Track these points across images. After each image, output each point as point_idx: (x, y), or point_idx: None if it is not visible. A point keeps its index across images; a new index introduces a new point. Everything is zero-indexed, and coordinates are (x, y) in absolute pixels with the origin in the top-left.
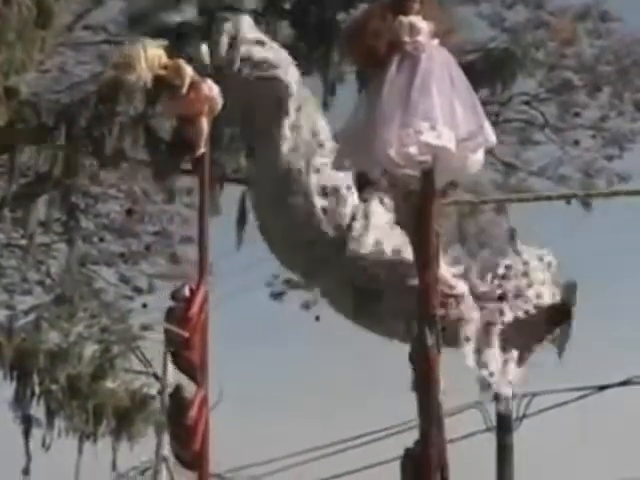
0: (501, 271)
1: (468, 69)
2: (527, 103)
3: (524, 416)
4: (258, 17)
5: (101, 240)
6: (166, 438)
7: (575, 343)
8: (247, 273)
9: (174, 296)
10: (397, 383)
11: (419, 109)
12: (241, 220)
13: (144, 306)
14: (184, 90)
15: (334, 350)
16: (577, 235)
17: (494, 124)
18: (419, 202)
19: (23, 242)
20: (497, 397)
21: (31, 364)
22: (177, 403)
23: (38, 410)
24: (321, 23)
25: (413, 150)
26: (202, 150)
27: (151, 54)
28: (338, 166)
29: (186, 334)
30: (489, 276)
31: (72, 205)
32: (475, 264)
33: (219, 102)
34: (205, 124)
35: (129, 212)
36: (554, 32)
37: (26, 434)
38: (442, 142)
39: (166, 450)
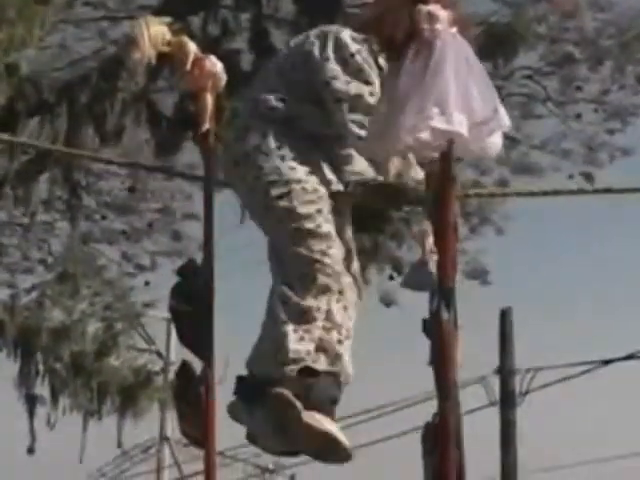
0: None
1: (470, 43)
2: (529, 77)
3: (527, 391)
4: None
5: (103, 218)
6: (169, 416)
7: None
8: (249, 250)
9: (179, 272)
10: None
11: (432, 94)
12: None
13: (147, 284)
14: (188, 66)
15: None
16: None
17: None
18: (437, 184)
19: (24, 220)
20: None
21: (34, 342)
22: (184, 379)
23: (42, 389)
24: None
25: (426, 136)
26: (207, 126)
27: (154, 31)
28: (363, 154)
29: (191, 309)
30: None
31: (74, 183)
32: None
33: (223, 78)
34: (209, 100)
35: (131, 189)
36: (555, 5)
37: (30, 413)
38: (452, 127)
39: (169, 429)
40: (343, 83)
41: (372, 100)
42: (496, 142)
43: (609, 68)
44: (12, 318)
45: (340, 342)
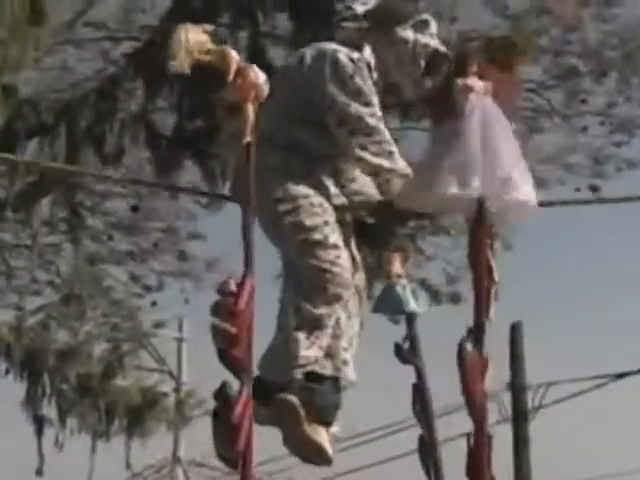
0: None
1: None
2: (533, 90)
3: (540, 406)
4: (256, 10)
5: (110, 238)
6: (183, 437)
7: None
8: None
9: (220, 290)
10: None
11: (497, 160)
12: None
13: (153, 304)
14: (231, 76)
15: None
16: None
17: None
18: (473, 232)
19: (30, 242)
20: None
21: (41, 364)
22: (223, 401)
23: (50, 410)
24: (320, 13)
25: (507, 198)
26: (248, 138)
27: (193, 39)
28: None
29: (234, 330)
30: None
31: (75, 203)
32: None
33: (265, 89)
34: (251, 111)
35: (134, 209)
36: (558, 18)
37: (38, 434)
38: (524, 197)
39: (182, 449)
40: (343, 106)
41: (373, 122)
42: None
43: (614, 80)
44: (18, 340)
45: (346, 350)
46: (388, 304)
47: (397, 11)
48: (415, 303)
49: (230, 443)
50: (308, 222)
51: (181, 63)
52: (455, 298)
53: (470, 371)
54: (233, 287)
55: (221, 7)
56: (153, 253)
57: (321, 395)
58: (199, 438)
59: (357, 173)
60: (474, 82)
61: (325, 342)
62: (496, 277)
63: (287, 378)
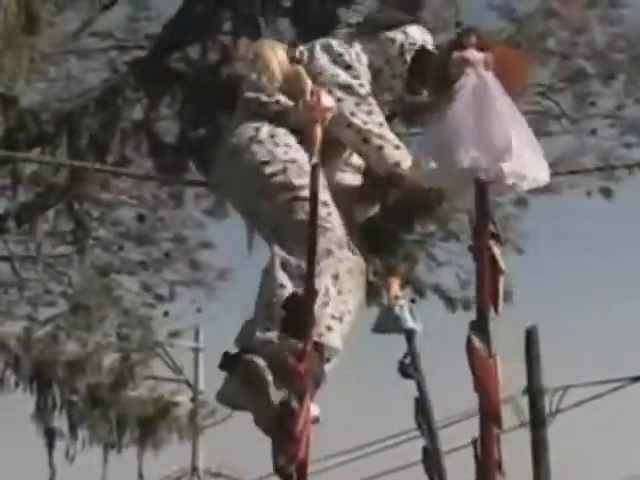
0: None
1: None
2: (541, 94)
3: (558, 410)
4: (258, 16)
5: (120, 248)
6: (200, 447)
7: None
8: None
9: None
10: None
11: (495, 133)
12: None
13: (165, 314)
14: (308, 96)
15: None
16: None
17: None
18: (474, 218)
19: (42, 253)
20: None
21: (50, 375)
22: (286, 413)
23: (60, 422)
24: (322, 19)
25: (496, 171)
26: (315, 159)
27: (281, 56)
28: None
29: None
30: None
31: (78, 214)
32: None
33: (333, 112)
34: (319, 133)
35: (140, 218)
36: (564, 20)
37: (49, 446)
38: (521, 169)
39: (200, 460)
40: (332, 75)
41: (362, 91)
42: (539, 178)
43: (622, 82)
44: (27, 352)
45: (333, 317)
46: (387, 323)
47: (386, 18)
48: (413, 321)
49: (292, 455)
50: (297, 181)
51: (275, 78)
52: (468, 304)
53: (480, 365)
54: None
55: (224, 14)
56: (165, 263)
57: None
58: (211, 448)
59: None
60: (472, 54)
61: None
62: (502, 266)
63: (265, 338)
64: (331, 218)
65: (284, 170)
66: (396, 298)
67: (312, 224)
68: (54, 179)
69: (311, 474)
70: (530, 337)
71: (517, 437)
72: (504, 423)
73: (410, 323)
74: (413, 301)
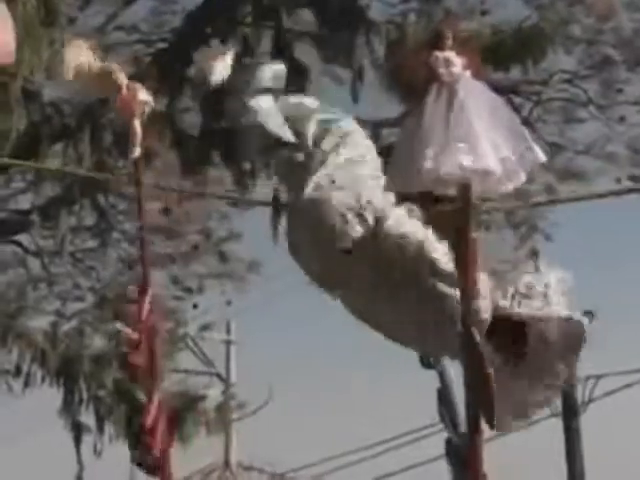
0: (522, 289)
1: (500, 48)
2: (569, 81)
3: (590, 400)
4: (279, 6)
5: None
6: (232, 440)
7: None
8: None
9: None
10: None
11: (457, 133)
12: (276, 214)
13: (195, 307)
14: (124, 92)
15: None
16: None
17: (536, 103)
18: (457, 217)
19: (71, 248)
20: None
21: (77, 370)
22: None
23: (87, 416)
24: (343, 8)
25: (453, 169)
26: (137, 153)
27: (80, 57)
28: (391, 188)
29: (135, 335)
30: (510, 292)
31: (103, 208)
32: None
33: (151, 105)
34: (139, 127)
35: (165, 211)
36: (590, 8)
37: (77, 441)
38: (479, 164)
39: (232, 453)
40: None
41: None
42: (521, 178)
43: None
44: (53, 347)
45: None
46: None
47: None
48: None
49: (148, 449)
50: None
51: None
52: None
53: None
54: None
55: (245, 5)
56: (194, 255)
57: None
58: (243, 441)
59: None
60: (452, 56)
61: None
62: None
63: None
64: None
65: None
66: None
67: (140, 212)
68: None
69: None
70: None
71: (550, 427)
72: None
73: None
74: None
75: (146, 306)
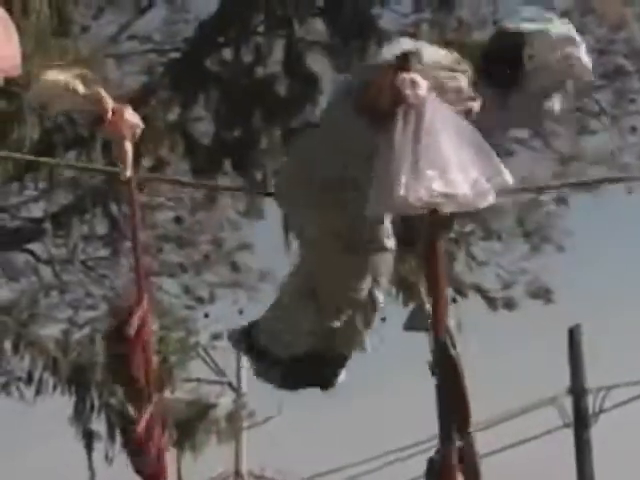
0: None
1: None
2: (580, 92)
3: (601, 411)
4: (292, 15)
5: (159, 251)
6: (243, 449)
7: None
8: None
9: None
10: None
11: (427, 158)
12: (287, 223)
13: (206, 316)
14: (109, 115)
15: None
16: None
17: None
18: (428, 236)
19: (83, 257)
20: None
21: (88, 378)
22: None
23: (98, 424)
24: (355, 17)
25: (424, 196)
26: (129, 174)
27: (63, 82)
28: (371, 214)
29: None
30: None
31: (114, 216)
32: None
33: (140, 126)
34: (130, 148)
35: (177, 220)
36: (602, 18)
37: (88, 448)
38: (449, 189)
39: (243, 462)
40: None
41: None
42: (490, 199)
43: None
44: (65, 354)
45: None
46: (419, 321)
47: None
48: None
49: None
50: None
51: (51, 107)
52: (510, 304)
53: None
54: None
55: (257, 15)
56: (205, 265)
57: None
58: (254, 449)
59: None
60: (418, 78)
61: None
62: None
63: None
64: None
65: None
66: (428, 297)
67: (134, 239)
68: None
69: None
70: (573, 337)
71: (561, 437)
72: (548, 423)
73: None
74: (454, 301)
75: (136, 321)
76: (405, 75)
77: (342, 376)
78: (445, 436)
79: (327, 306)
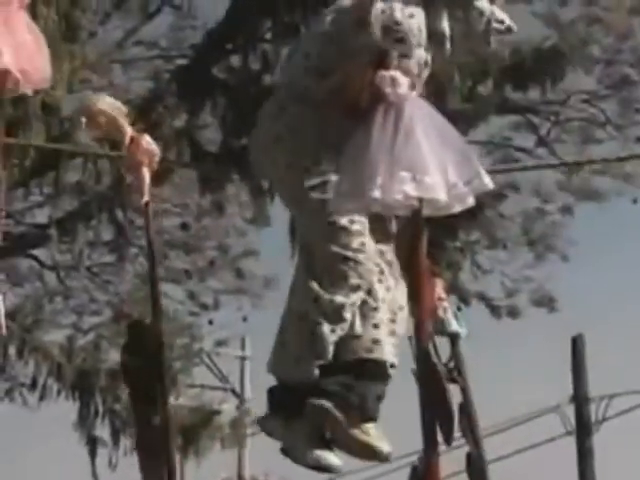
0: None
1: (519, 68)
2: (586, 101)
3: (604, 419)
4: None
5: (165, 257)
6: (246, 455)
7: None
8: None
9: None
10: None
11: (403, 159)
12: (294, 229)
13: (210, 322)
14: (126, 143)
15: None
16: None
17: (554, 123)
18: (409, 239)
19: (88, 263)
20: None
21: (92, 384)
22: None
23: (102, 430)
24: None
25: (398, 197)
26: (146, 198)
27: (102, 106)
28: (335, 211)
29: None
30: None
31: (121, 223)
32: None
33: (157, 154)
34: (147, 175)
35: (184, 226)
36: (608, 27)
37: (92, 454)
38: (424, 192)
39: (246, 468)
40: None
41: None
42: (469, 202)
43: None
44: (70, 360)
45: (376, 326)
46: (431, 326)
47: None
48: (457, 324)
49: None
50: None
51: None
52: (514, 312)
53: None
54: None
55: (265, 22)
56: (210, 271)
57: (356, 390)
58: (258, 456)
59: None
60: (399, 76)
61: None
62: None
63: (312, 378)
64: (365, 248)
65: (324, 184)
66: (440, 299)
67: (151, 262)
68: (97, 188)
69: None
70: (576, 346)
71: (563, 445)
72: (550, 431)
73: (454, 326)
74: (459, 309)
75: None
76: (385, 73)
77: None
78: (429, 443)
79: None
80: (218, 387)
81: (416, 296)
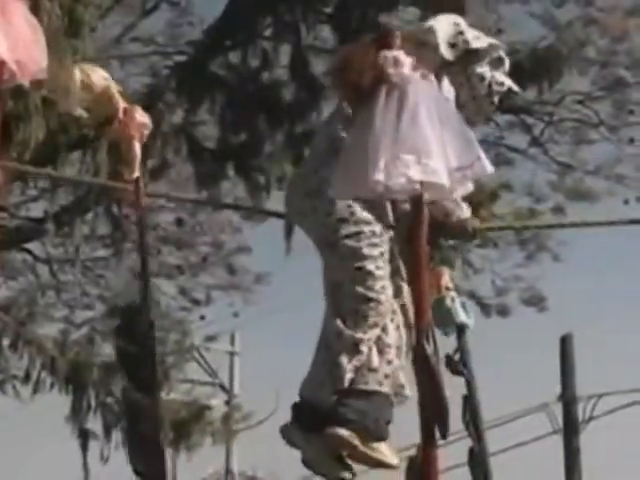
0: None
1: (515, 69)
2: (580, 102)
3: (591, 418)
4: (299, 21)
5: (158, 252)
6: (234, 450)
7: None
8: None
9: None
10: None
11: (407, 142)
12: (289, 228)
13: (202, 318)
14: (120, 115)
15: None
16: None
17: (548, 124)
18: (410, 223)
19: (82, 257)
20: None
21: (85, 377)
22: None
23: (95, 423)
24: (363, 26)
25: (400, 181)
26: (137, 174)
27: (89, 79)
28: (337, 195)
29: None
30: None
31: (118, 218)
32: None
33: (149, 128)
34: (139, 149)
35: (179, 222)
36: (604, 29)
37: (83, 447)
38: (427, 177)
39: (234, 462)
40: None
41: None
42: (468, 187)
43: None
44: (63, 354)
45: (389, 363)
46: (438, 317)
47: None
48: (465, 315)
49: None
50: (366, 251)
51: (71, 103)
52: (504, 311)
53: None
54: None
55: (264, 20)
56: (202, 267)
57: (370, 413)
58: (246, 451)
59: None
60: (402, 56)
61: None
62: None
63: (331, 401)
64: (386, 291)
65: (357, 234)
66: (447, 289)
67: (141, 248)
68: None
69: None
70: (565, 345)
71: (550, 444)
72: (538, 430)
73: (462, 317)
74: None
75: None
76: (388, 53)
77: None
78: (426, 435)
79: None
80: (207, 382)
81: (416, 281)
